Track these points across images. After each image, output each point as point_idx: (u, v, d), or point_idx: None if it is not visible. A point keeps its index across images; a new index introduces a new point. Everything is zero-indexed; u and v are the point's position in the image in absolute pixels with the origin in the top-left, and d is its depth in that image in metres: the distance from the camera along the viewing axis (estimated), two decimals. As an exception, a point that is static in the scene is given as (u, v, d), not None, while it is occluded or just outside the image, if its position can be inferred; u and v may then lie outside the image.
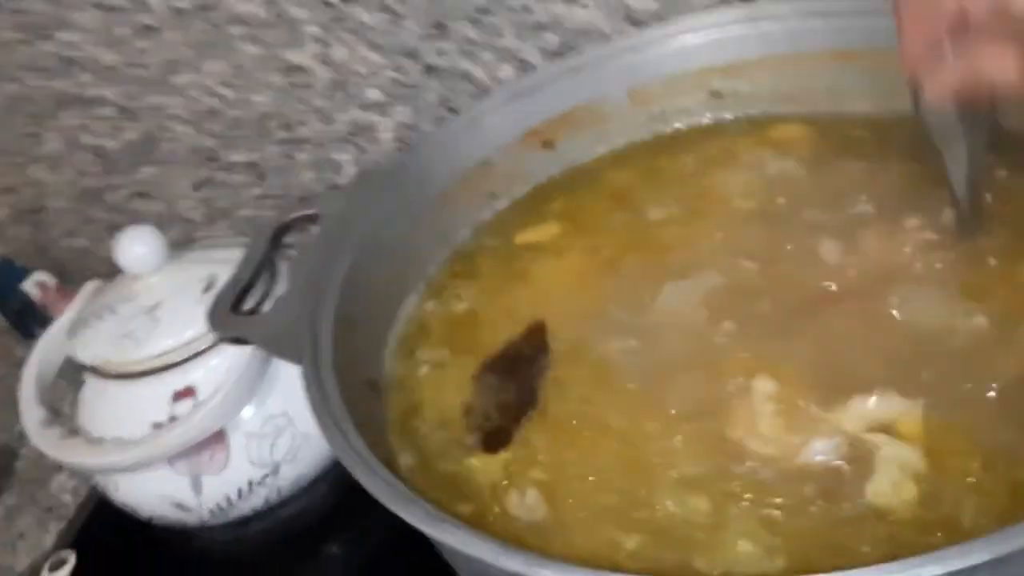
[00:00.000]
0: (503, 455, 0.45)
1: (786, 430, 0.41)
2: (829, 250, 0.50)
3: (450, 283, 0.57)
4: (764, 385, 0.43)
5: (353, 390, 0.45)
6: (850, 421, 0.41)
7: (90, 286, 0.71)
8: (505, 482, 0.44)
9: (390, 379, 0.52)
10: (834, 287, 0.48)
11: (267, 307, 0.56)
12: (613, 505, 0.41)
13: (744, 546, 0.38)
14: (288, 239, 0.58)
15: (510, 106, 0.60)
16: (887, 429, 0.40)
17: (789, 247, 0.51)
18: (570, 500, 0.42)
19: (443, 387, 0.50)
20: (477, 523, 0.41)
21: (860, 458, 0.40)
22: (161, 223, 0.92)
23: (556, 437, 0.45)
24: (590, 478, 0.43)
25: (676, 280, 0.51)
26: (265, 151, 0.83)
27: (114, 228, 0.70)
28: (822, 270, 0.49)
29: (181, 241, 0.70)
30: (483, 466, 0.45)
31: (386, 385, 0.51)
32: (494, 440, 0.46)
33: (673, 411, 0.44)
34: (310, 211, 0.54)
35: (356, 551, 0.70)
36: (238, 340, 0.49)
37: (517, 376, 0.49)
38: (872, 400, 0.41)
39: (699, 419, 0.43)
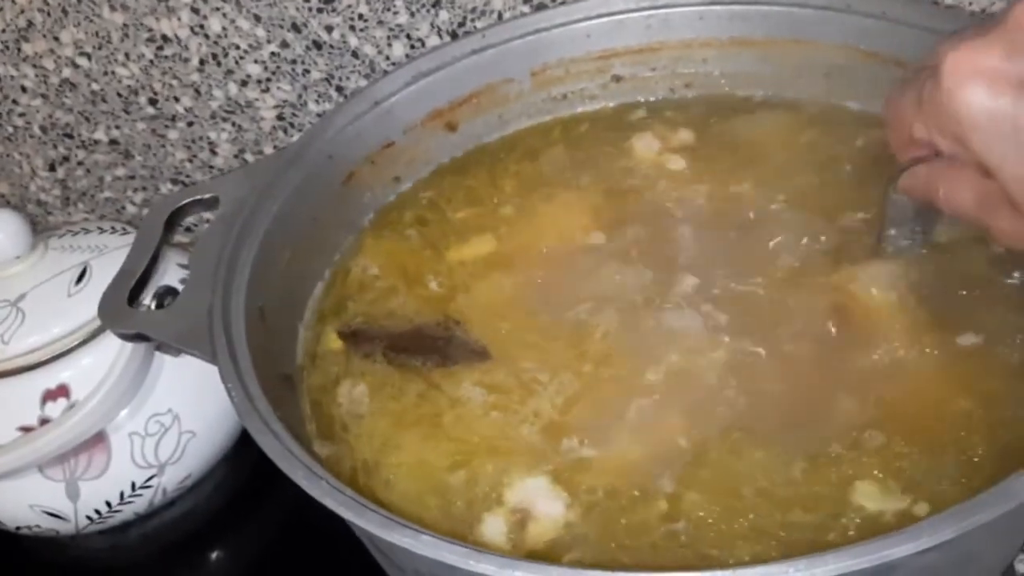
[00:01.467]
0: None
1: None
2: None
3: (358, 271, 0.55)
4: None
5: (271, 387, 0.43)
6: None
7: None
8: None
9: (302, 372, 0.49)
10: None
11: (146, 298, 0.52)
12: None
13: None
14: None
15: (414, 86, 0.58)
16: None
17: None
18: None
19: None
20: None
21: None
22: (8, 206, 0.85)
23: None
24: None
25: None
26: (131, 128, 0.77)
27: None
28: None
29: (32, 225, 0.63)
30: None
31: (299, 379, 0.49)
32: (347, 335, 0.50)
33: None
34: (207, 194, 0.51)
35: (243, 554, 0.67)
36: (138, 337, 0.44)
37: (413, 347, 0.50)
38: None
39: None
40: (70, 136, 0.79)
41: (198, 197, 0.51)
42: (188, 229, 0.82)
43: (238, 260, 0.47)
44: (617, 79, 0.62)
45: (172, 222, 0.51)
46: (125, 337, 0.45)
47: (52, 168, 0.81)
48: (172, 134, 0.77)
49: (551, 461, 0.43)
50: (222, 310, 0.43)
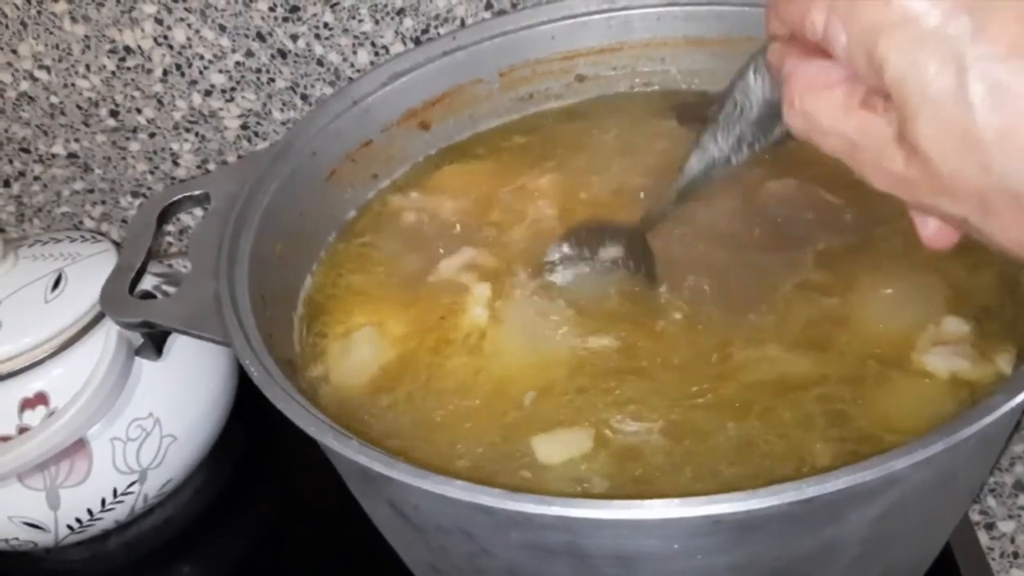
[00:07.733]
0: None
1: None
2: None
3: (341, 266, 0.56)
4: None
5: (281, 368, 0.44)
6: None
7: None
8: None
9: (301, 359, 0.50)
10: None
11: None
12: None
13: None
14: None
15: (390, 86, 0.60)
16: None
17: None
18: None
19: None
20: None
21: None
22: (-41, 223, 0.83)
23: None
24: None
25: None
26: (90, 141, 0.77)
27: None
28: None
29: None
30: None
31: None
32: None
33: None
34: (197, 191, 0.52)
35: (225, 560, 0.67)
36: (144, 325, 0.45)
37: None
38: None
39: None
40: (27, 151, 0.78)
41: (189, 193, 0.51)
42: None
43: (237, 250, 0.48)
44: (581, 78, 0.66)
45: (163, 218, 0.51)
46: (130, 326, 0.46)
47: (7, 184, 0.80)
48: (133, 146, 0.77)
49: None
50: (230, 295, 0.44)
